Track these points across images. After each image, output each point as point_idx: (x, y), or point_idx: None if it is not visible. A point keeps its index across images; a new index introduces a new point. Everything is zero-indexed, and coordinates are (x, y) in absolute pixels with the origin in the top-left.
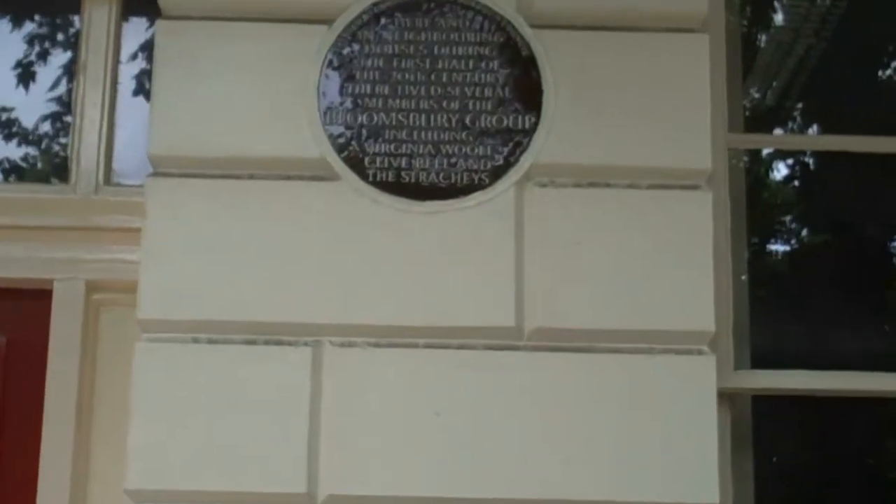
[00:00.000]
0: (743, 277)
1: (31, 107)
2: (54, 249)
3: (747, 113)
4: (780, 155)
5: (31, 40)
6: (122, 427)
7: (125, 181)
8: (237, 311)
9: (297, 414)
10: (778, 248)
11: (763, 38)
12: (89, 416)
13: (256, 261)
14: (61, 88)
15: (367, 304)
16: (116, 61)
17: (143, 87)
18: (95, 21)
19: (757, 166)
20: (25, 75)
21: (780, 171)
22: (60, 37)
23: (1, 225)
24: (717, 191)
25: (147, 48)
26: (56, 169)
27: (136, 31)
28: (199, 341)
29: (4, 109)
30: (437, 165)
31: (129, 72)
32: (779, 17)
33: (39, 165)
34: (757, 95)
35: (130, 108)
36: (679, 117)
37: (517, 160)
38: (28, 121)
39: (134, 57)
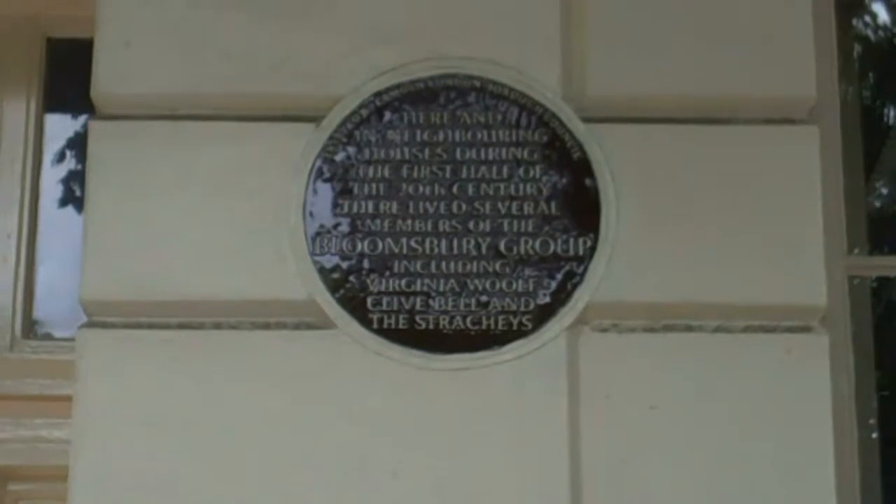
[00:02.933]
0: (874, 435)
1: None
2: None
3: (873, 226)
4: None
5: None
6: None
7: (50, 332)
8: None
9: None
10: None
11: (891, 120)
12: None
13: (226, 440)
14: None
15: (374, 496)
16: (38, 168)
17: (74, 195)
18: (9, 117)
19: (887, 293)
20: None
21: None
22: None
23: None
24: (835, 332)
25: (79, 144)
26: None
27: (63, 123)
28: None
29: None
30: (462, 306)
31: (55, 177)
32: None
33: None
34: (885, 196)
35: (58, 229)
36: (783, 238)
37: (569, 297)
38: None
39: (61, 157)
